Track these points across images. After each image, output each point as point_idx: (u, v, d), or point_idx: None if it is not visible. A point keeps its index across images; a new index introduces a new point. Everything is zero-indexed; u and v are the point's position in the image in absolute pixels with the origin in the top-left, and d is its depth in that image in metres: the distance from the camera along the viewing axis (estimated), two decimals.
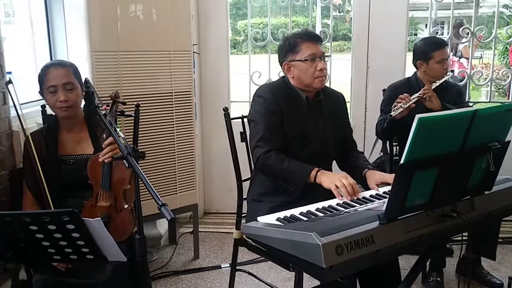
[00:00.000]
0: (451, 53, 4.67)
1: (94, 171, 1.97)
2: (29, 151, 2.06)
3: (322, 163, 2.10)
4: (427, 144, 1.43)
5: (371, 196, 1.91)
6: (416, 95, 2.67)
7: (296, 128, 2.13)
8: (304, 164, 2.03)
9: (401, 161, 1.41)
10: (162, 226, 3.40)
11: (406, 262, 2.85)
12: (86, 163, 2.00)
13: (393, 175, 1.98)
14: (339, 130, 2.28)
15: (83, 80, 1.95)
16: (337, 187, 1.89)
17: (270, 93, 2.14)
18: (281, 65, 2.21)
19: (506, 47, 8.16)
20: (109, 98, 2.08)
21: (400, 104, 2.65)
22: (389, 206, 1.46)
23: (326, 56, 2.16)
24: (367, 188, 2.07)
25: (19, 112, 2.01)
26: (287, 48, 2.15)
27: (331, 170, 2.19)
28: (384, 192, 1.95)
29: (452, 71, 3.06)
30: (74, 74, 2.08)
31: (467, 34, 3.70)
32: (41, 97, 2.13)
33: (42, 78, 2.05)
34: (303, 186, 2.01)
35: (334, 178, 1.93)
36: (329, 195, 1.92)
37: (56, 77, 2.03)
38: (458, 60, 5.15)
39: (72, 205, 1.85)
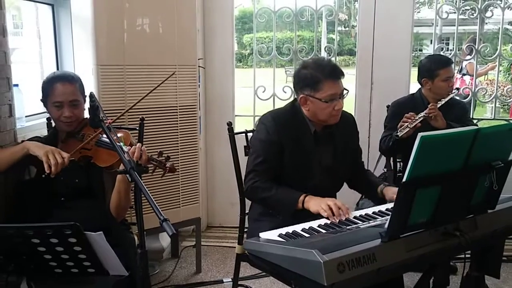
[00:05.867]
0: (456, 70, 4.68)
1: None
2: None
3: (323, 196, 2.00)
4: (429, 162, 1.43)
5: (373, 213, 1.91)
6: (422, 114, 2.66)
7: (297, 160, 2.08)
8: (292, 190, 2.01)
9: (404, 179, 1.41)
10: (165, 239, 3.39)
11: (409, 280, 2.82)
12: (77, 171, 2.02)
13: None
14: (349, 161, 2.23)
15: (88, 94, 1.96)
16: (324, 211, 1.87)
17: (273, 121, 2.09)
18: (296, 92, 2.13)
19: (510, 64, 8.17)
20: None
21: (406, 124, 2.63)
22: (391, 224, 1.46)
23: (345, 90, 2.06)
24: (382, 203, 2.05)
25: None
26: (307, 82, 2.04)
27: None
28: (386, 209, 1.95)
29: (458, 88, 3.06)
30: (80, 89, 2.10)
31: (471, 50, 3.72)
32: (45, 108, 2.14)
33: (48, 91, 2.06)
34: (293, 213, 1.96)
35: (320, 202, 1.91)
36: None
37: (63, 93, 2.04)
38: (461, 77, 5.15)
39: (66, 217, 1.87)
